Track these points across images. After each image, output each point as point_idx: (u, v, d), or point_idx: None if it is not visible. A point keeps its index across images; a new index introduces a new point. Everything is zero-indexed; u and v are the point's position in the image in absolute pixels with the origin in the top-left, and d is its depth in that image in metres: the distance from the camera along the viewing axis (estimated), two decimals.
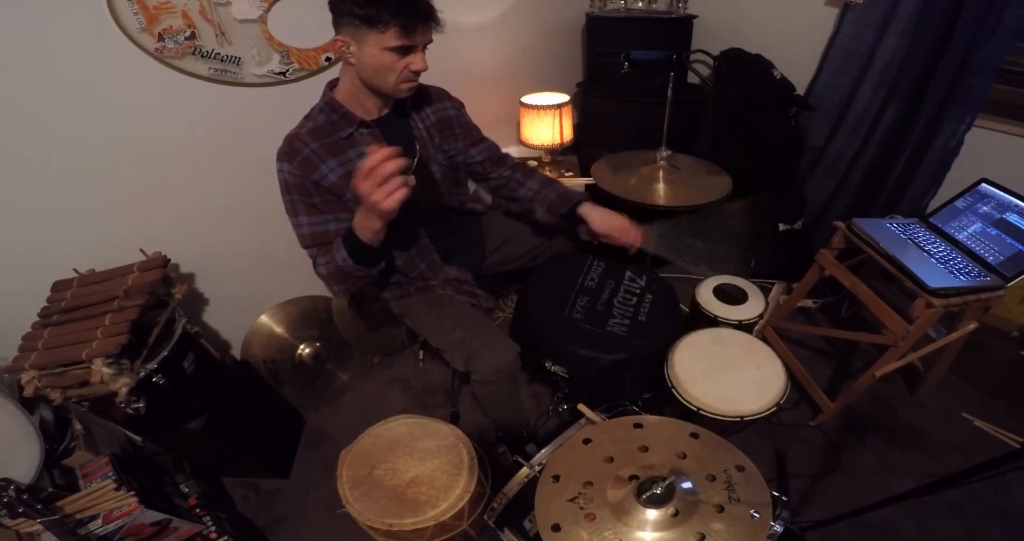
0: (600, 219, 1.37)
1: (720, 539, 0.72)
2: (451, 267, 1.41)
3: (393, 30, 1.01)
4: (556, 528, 0.76)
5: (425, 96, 1.31)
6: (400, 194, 0.93)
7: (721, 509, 0.76)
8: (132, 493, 1.19)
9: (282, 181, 1.15)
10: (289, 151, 1.13)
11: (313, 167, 1.13)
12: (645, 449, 0.87)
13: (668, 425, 0.92)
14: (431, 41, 1.10)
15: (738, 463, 0.83)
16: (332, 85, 1.20)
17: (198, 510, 1.36)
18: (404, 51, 1.05)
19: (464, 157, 1.40)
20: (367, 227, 1.03)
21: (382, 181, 0.92)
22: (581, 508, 0.78)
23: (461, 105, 1.39)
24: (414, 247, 1.34)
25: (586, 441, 0.89)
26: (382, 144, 1.17)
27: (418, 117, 1.28)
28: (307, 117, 1.19)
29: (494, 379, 1.27)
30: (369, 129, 1.19)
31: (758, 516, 0.75)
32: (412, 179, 0.97)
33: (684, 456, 0.85)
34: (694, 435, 0.89)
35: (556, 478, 0.83)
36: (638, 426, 0.91)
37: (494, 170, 1.46)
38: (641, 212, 1.52)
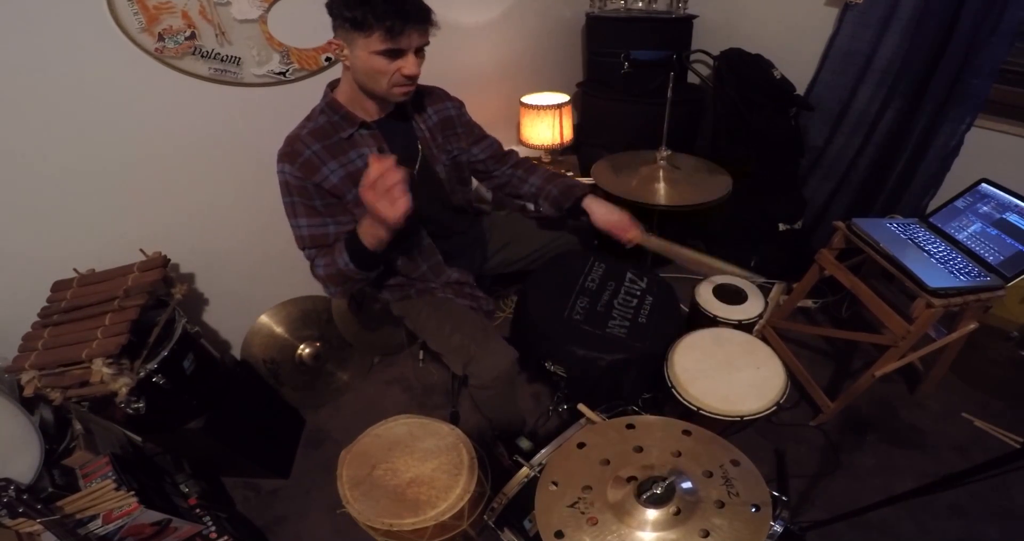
0: (601, 214, 1.38)
1: (724, 534, 0.72)
2: (453, 269, 1.41)
3: (379, 34, 0.99)
4: (559, 535, 0.75)
5: (425, 97, 1.30)
6: (404, 204, 0.95)
7: (721, 505, 0.76)
8: (132, 493, 1.19)
9: (283, 182, 1.14)
10: (290, 153, 1.12)
11: (315, 169, 1.13)
12: (640, 449, 0.86)
13: (660, 424, 0.92)
14: (426, 44, 1.07)
15: (733, 458, 0.83)
16: (333, 86, 1.20)
17: (198, 510, 1.36)
18: (393, 55, 1.03)
19: (467, 156, 1.40)
20: (372, 234, 1.04)
21: (386, 191, 0.94)
22: (582, 513, 0.78)
23: (461, 104, 1.39)
24: (417, 249, 1.34)
25: (580, 445, 0.89)
26: (383, 154, 1.17)
27: (420, 118, 1.28)
28: (308, 118, 1.19)
29: (491, 384, 1.27)
30: (370, 130, 1.18)
31: (757, 511, 0.75)
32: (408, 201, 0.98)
33: (679, 454, 0.85)
34: (686, 432, 0.89)
35: (554, 484, 0.83)
36: (630, 427, 0.91)
37: (497, 168, 1.46)
38: (643, 213, 1.52)
